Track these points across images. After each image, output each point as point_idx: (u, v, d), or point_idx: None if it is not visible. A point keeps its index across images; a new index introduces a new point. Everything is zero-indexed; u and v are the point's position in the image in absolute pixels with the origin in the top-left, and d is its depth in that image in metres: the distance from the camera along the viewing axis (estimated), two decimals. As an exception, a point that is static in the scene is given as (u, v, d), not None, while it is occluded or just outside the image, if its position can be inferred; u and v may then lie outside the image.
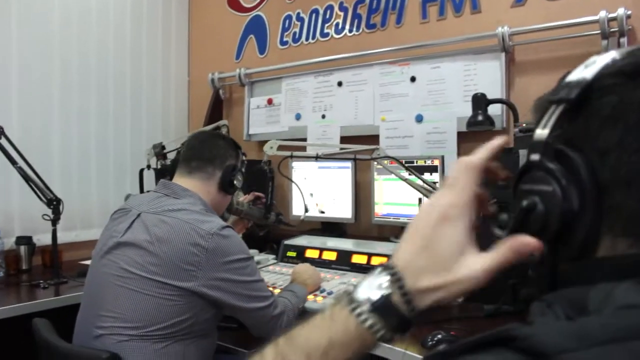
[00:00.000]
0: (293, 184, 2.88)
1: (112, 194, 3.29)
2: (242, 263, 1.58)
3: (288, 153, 2.04)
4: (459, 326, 1.85)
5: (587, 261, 0.57)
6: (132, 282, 1.51)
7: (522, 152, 1.86)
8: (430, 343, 1.64)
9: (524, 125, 1.84)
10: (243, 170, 1.87)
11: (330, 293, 1.97)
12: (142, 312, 1.48)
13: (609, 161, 0.54)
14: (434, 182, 2.41)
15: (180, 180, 1.75)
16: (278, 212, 2.15)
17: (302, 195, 2.25)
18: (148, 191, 2.91)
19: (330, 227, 2.93)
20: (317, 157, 2.06)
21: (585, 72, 0.58)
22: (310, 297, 1.95)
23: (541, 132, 0.62)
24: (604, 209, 0.55)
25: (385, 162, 2.21)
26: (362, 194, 2.89)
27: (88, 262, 2.87)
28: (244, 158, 1.91)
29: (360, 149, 2.13)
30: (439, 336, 1.66)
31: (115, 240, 1.61)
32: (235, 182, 1.80)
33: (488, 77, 2.55)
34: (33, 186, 2.47)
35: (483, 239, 2.15)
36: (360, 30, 3.02)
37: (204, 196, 1.73)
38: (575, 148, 0.57)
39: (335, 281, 2.15)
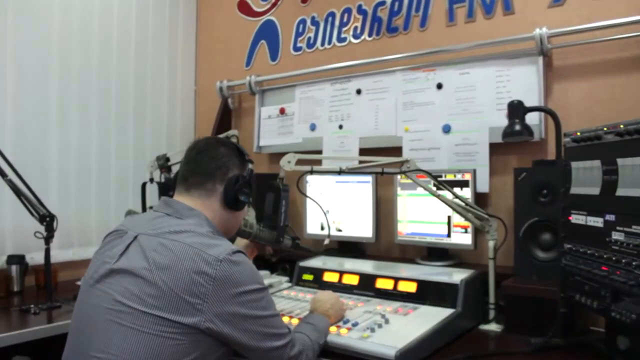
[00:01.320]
0: (308, 201, 2.68)
1: (113, 209, 3.09)
2: (255, 294, 1.35)
3: (307, 167, 1.81)
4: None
5: None
6: (128, 318, 1.28)
7: (575, 165, 1.64)
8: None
9: (578, 134, 1.61)
10: (251, 181, 1.61)
11: (355, 324, 1.74)
12: (140, 354, 1.24)
13: None
14: (467, 198, 2.18)
15: (180, 199, 1.52)
16: (294, 236, 1.90)
17: (325, 215, 2.01)
18: (150, 207, 2.74)
19: (348, 247, 2.71)
20: (340, 172, 1.83)
21: None
22: (333, 328, 1.72)
23: None
24: None
25: (415, 176, 1.99)
26: (383, 211, 2.67)
27: (85, 282, 2.70)
28: (251, 166, 1.64)
29: (388, 162, 1.91)
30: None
31: (107, 267, 1.38)
32: (241, 196, 1.55)
33: (523, 83, 2.34)
34: (25, 201, 2.26)
35: (520, 260, 1.88)
36: (381, 35, 2.81)
37: (210, 216, 1.51)
38: None
39: (359, 309, 1.92)
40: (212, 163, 1.54)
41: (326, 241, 1.98)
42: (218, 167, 1.54)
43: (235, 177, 1.54)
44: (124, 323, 1.27)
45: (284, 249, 1.89)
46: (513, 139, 2.14)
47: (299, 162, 1.86)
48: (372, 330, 1.68)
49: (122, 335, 1.26)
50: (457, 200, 2.04)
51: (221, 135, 2.71)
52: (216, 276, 1.29)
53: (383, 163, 1.92)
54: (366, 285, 2.10)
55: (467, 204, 2.03)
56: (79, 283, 2.61)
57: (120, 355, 1.24)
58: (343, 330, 1.70)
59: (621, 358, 1.52)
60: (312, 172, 1.84)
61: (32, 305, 2.23)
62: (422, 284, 1.97)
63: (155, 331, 1.26)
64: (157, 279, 1.29)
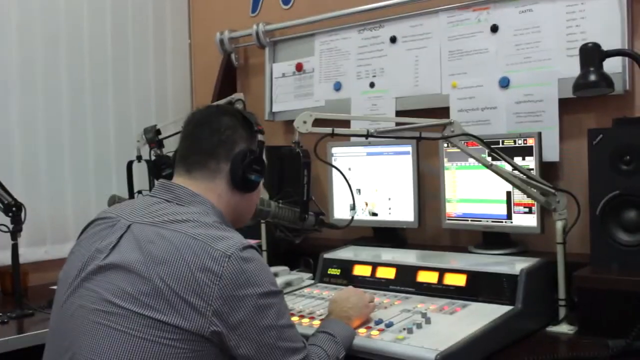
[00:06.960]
0: (333, 175, 2.81)
1: (94, 195, 3.24)
2: (268, 299, 1.45)
3: (328, 129, 1.93)
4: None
5: None
6: (119, 320, 1.39)
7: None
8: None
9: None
10: (262, 155, 1.70)
11: (389, 325, 1.86)
12: None
13: None
14: (530, 169, 2.27)
15: (180, 182, 1.63)
16: (318, 211, 2.02)
17: (350, 187, 2.11)
18: (139, 192, 2.88)
19: (385, 235, 2.82)
20: (367, 136, 1.94)
21: None
22: (362, 330, 1.84)
23: None
24: None
25: (462, 143, 2.09)
26: (427, 189, 2.77)
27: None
28: (260, 137, 1.74)
29: (427, 125, 2.01)
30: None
31: (96, 263, 1.49)
32: (251, 175, 1.66)
33: (602, 20, 2.39)
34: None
35: (597, 244, 1.97)
36: (419, -33, 2.89)
37: (217, 202, 1.62)
38: None
39: (395, 308, 2.03)
40: (214, 137, 1.63)
41: (351, 214, 2.09)
42: (221, 142, 1.63)
43: (242, 153, 1.64)
44: (115, 326, 1.37)
45: (307, 228, 2.01)
46: (586, 92, 2.20)
47: (319, 123, 1.96)
48: (410, 331, 1.80)
49: (112, 340, 1.37)
50: (516, 172, 2.12)
51: (223, 101, 2.83)
52: (223, 274, 1.38)
53: (420, 126, 2.02)
54: (405, 280, 2.21)
55: (528, 176, 2.12)
56: (54, 287, 2.80)
57: None
58: (374, 332, 1.82)
59: None
60: (333, 134, 1.95)
61: (-1, 313, 2.39)
62: (472, 275, 2.08)
63: (151, 336, 1.35)
64: (153, 274, 1.39)
